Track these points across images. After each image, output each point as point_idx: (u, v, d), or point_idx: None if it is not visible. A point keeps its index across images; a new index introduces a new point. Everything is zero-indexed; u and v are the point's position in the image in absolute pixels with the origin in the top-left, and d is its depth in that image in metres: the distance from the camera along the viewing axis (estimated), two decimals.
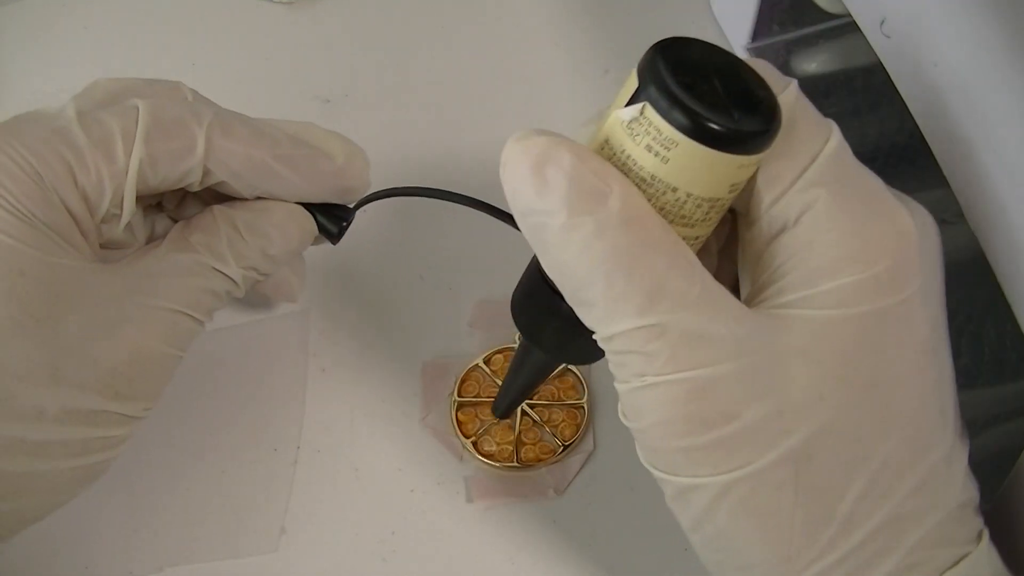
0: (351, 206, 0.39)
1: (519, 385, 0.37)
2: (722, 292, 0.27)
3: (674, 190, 0.27)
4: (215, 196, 0.37)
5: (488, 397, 0.42)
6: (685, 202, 0.27)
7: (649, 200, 0.27)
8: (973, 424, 0.31)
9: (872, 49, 0.34)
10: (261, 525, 0.39)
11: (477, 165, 0.48)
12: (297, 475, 0.40)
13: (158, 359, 0.34)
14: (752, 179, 0.28)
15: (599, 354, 0.28)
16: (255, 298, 0.42)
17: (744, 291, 0.30)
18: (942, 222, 0.29)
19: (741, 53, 0.44)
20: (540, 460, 0.40)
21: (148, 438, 0.35)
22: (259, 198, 0.37)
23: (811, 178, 0.27)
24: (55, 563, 0.38)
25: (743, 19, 0.48)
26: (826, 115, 0.29)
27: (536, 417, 0.41)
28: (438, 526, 0.39)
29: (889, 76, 0.33)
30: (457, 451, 0.41)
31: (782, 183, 0.28)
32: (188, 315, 0.35)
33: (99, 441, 0.33)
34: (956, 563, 0.28)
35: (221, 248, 0.36)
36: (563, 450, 0.40)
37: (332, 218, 0.38)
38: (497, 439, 0.41)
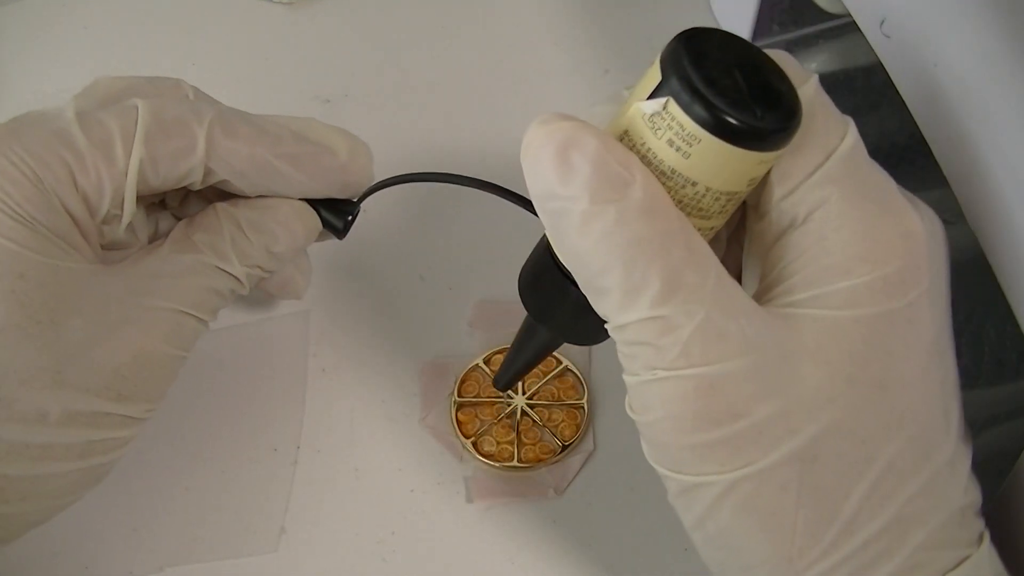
0: (355, 200, 0.39)
1: (523, 360, 0.37)
2: (735, 288, 0.27)
3: (693, 184, 0.27)
4: (218, 193, 0.37)
5: (488, 397, 0.42)
6: (704, 195, 0.27)
7: (668, 193, 0.27)
8: (973, 424, 0.31)
9: (872, 49, 0.34)
10: (261, 525, 0.39)
11: (477, 165, 0.48)
12: (297, 475, 0.40)
13: (161, 360, 0.34)
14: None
15: (604, 335, 0.28)
16: (259, 295, 0.42)
17: (748, 282, 0.30)
18: (942, 222, 0.29)
19: None
20: (540, 460, 0.40)
21: (148, 438, 0.35)
22: (262, 196, 0.37)
23: (825, 175, 0.27)
24: (55, 563, 0.38)
25: (743, 19, 0.48)
26: None
27: (536, 417, 0.41)
28: (438, 526, 0.39)
29: (889, 76, 0.33)
30: (457, 451, 0.41)
31: (795, 178, 0.28)
32: (192, 315, 0.35)
33: (102, 443, 0.33)
34: (957, 565, 0.28)
35: (224, 247, 0.36)
36: (563, 450, 0.40)
37: (337, 213, 0.38)
38: (497, 439, 0.41)
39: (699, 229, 0.28)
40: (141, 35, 0.53)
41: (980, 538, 0.29)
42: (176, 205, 0.38)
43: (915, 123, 0.32)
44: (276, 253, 0.37)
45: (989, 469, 0.31)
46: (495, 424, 0.41)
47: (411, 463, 0.41)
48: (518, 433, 0.41)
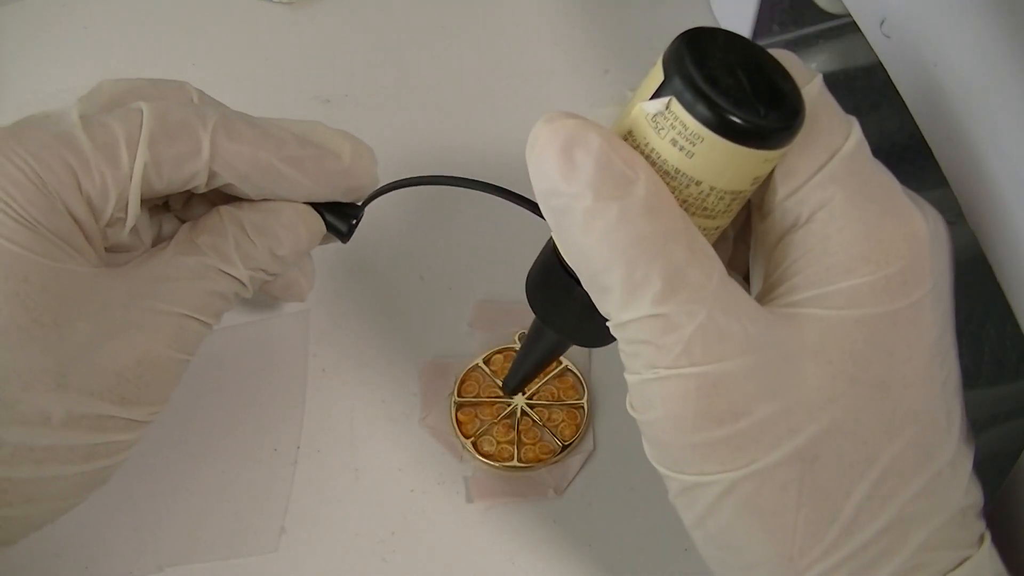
0: (359, 203, 0.39)
1: (531, 363, 0.37)
2: (736, 288, 0.27)
3: (698, 183, 0.27)
4: (222, 196, 0.37)
5: (488, 397, 0.42)
6: (708, 195, 0.27)
7: (672, 192, 0.27)
8: (973, 424, 0.31)
9: (872, 49, 0.34)
10: (261, 525, 0.39)
11: (477, 165, 0.48)
12: (297, 475, 0.40)
13: (165, 364, 0.34)
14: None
15: (610, 338, 0.28)
16: (261, 297, 0.42)
17: (755, 283, 0.30)
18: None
19: None
20: (540, 460, 0.40)
21: (148, 438, 0.35)
22: (266, 199, 0.37)
23: (828, 175, 0.27)
24: (55, 563, 0.38)
25: (743, 19, 0.48)
26: None
27: (536, 417, 0.41)
28: (438, 526, 0.39)
29: (889, 76, 0.33)
30: (457, 451, 0.41)
31: (799, 178, 0.28)
32: (195, 319, 0.35)
33: (106, 446, 0.33)
34: (958, 566, 0.28)
35: (228, 250, 0.36)
36: (563, 450, 0.40)
37: (341, 216, 0.38)
38: (497, 439, 0.41)
39: (704, 229, 0.28)
40: (141, 35, 0.53)
41: (981, 539, 0.29)
42: (179, 207, 0.38)
43: (915, 123, 0.32)
44: (280, 256, 0.37)
45: (989, 469, 0.31)
46: (495, 424, 0.41)
47: (411, 463, 0.41)
48: (518, 433, 0.41)
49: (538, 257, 0.32)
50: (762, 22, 0.48)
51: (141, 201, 0.34)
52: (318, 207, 0.38)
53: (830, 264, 0.27)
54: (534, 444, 0.41)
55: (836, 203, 0.27)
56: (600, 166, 0.26)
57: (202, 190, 0.35)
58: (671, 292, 0.26)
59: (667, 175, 0.27)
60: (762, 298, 0.29)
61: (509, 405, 0.42)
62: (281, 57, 0.52)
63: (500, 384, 0.42)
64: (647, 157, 0.27)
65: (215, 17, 0.54)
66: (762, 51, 0.27)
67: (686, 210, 0.27)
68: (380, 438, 0.41)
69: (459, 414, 0.41)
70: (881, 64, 0.33)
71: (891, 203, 0.28)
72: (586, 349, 0.43)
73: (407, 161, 0.47)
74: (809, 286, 0.27)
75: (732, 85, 0.26)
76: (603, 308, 0.28)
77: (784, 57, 0.28)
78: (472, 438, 0.41)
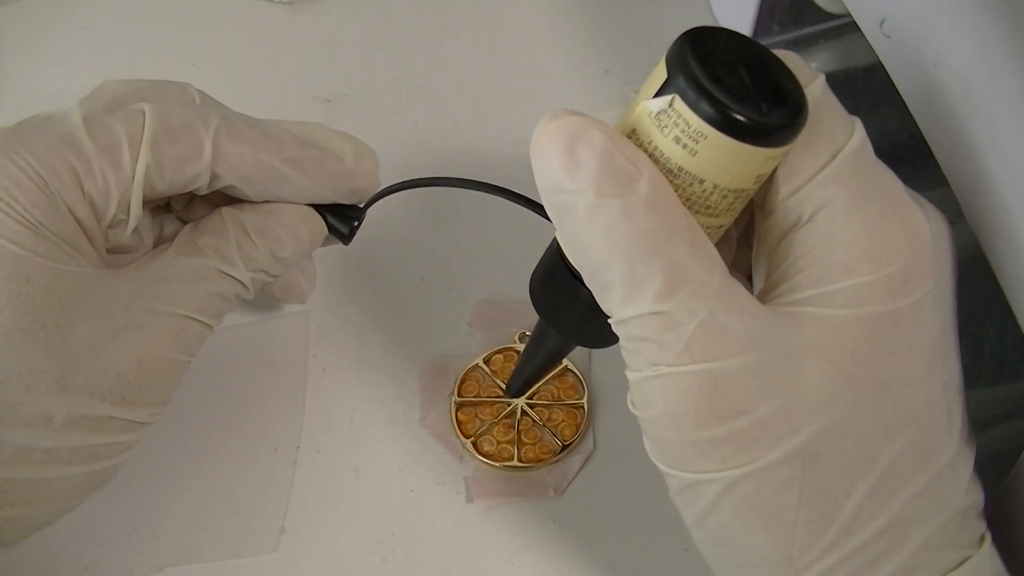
0: (361, 205, 0.39)
1: (534, 366, 0.37)
2: (738, 286, 0.27)
3: (701, 181, 0.27)
4: (224, 197, 0.37)
5: (488, 397, 0.42)
6: (711, 193, 0.27)
7: (675, 190, 0.27)
8: (973, 424, 0.31)
9: (872, 49, 0.34)
10: (261, 525, 0.39)
11: (477, 165, 0.48)
12: (297, 475, 0.40)
13: (166, 365, 0.34)
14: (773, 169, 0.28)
15: (615, 338, 0.28)
16: (263, 298, 0.42)
17: (758, 282, 0.30)
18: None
19: None
20: (540, 460, 0.40)
21: (148, 438, 0.35)
22: (267, 201, 0.37)
23: (831, 174, 0.27)
24: (55, 563, 0.38)
25: (743, 19, 0.48)
26: None
27: (536, 417, 0.41)
28: (438, 526, 0.39)
29: (889, 76, 0.33)
30: (457, 451, 0.41)
31: (801, 176, 0.28)
32: (197, 320, 0.35)
33: (107, 447, 0.33)
34: (958, 566, 0.28)
35: (230, 251, 0.36)
36: (563, 450, 0.40)
37: (342, 218, 0.38)
38: (497, 439, 0.41)
39: (707, 227, 0.28)
40: (141, 35, 0.53)
41: (981, 539, 0.29)
42: (181, 208, 0.38)
43: (915, 123, 0.32)
44: (281, 258, 0.37)
45: (989, 469, 0.31)
46: (495, 424, 0.41)
47: (411, 463, 0.41)
48: (518, 433, 0.41)
49: (542, 258, 0.32)
50: (762, 22, 0.48)
51: (143, 202, 0.34)
52: (320, 209, 0.38)
53: (831, 263, 0.27)
54: (534, 444, 0.41)
55: (838, 202, 0.27)
56: (603, 163, 0.26)
57: (204, 191, 0.35)
58: (672, 289, 0.26)
59: (670, 173, 0.27)
60: (764, 297, 0.29)
61: (509, 405, 0.42)
62: (281, 57, 0.52)
63: (501, 384, 0.42)
64: (650, 155, 0.27)
65: (215, 17, 0.54)
66: (765, 50, 0.27)
67: (689, 208, 0.27)
68: (380, 438, 0.41)
69: (459, 414, 0.41)
70: (881, 64, 0.33)
71: (893, 203, 0.28)
72: (587, 349, 0.43)
73: (407, 161, 0.47)
74: (810, 285, 0.27)
75: (735, 83, 0.26)
76: (605, 305, 0.28)
77: (787, 57, 0.28)
78: (472, 438, 0.41)
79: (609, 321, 0.28)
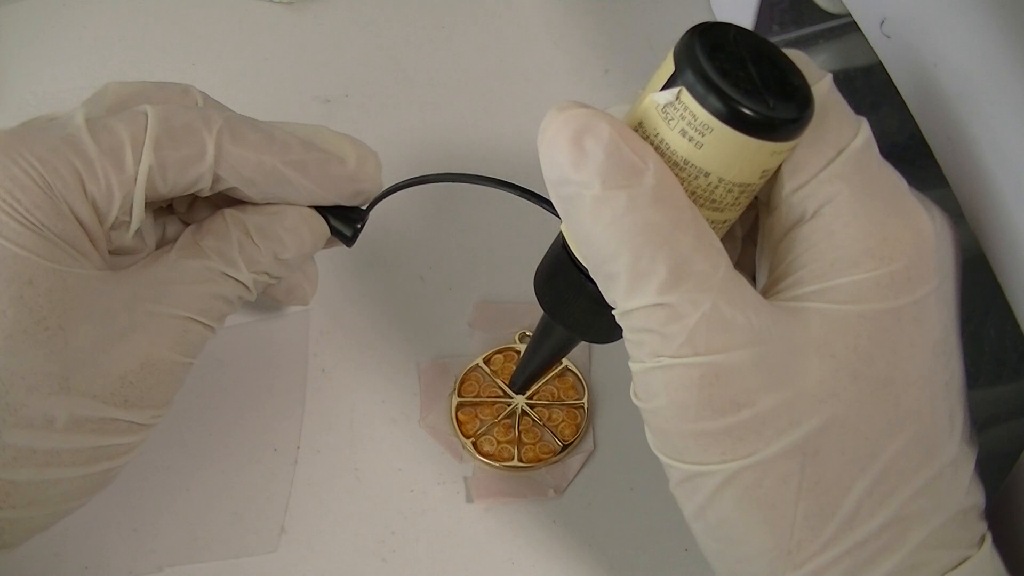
0: (363, 207, 0.39)
1: (538, 361, 0.37)
2: (741, 280, 0.27)
3: (706, 175, 0.27)
4: (226, 199, 0.37)
5: (488, 397, 0.42)
6: (717, 187, 0.27)
7: (681, 184, 0.27)
8: (973, 424, 0.31)
9: (872, 49, 0.34)
10: (261, 525, 0.39)
11: (478, 164, 0.48)
12: (297, 475, 0.40)
13: (168, 367, 0.34)
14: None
15: (620, 334, 0.28)
16: (263, 298, 0.42)
17: (761, 279, 0.30)
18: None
19: None
20: (540, 460, 0.40)
21: (149, 438, 0.35)
22: (270, 202, 0.37)
23: (835, 171, 0.28)
24: (55, 563, 0.38)
25: (743, 19, 0.48)
26: None
27: (536, 417, 0.41)
28: (438, 526, 0.39)
29: (889, 76, 0.33)
30: (457, 451, 0.41)
31: (806, 172, 0.28)
32: (199, 322, 0.35)
33: (109, 449, 0.33)
34: (958, 565, 0.28)
35: (232, 253, 0.36)
36: (563, 450, 0.40)
37: (345, 221, 0.38)
38: (497, 439, 0.41)
39: (712, 222, 0.28)
40: (141, 35, 0.53)
41: (982, 540, 0.29)
42: (184, 210, 0.38)
43: (915, 123, 0.32)
44: (284, 260, 0.37)
45: (989, 469, 0.31)
46: (495, 424, 0.41)
47: (411, 463, 0.41)
48: (518, 433, 0.41)
49: (547, 253, 0.32)
50: (762, 22, 0.48)
51: (145, 204, 0.34)
52: (322, 211, 0.38)
53: (835, 259, 0.27)
54: (534, 444, 0.41)
55: (842, 199, 0.27)
56: (610, 155, 0.26)
57: (206, 193, 0.36)
58: (676, 281, 0.26)
59: (676, 166, 0.27)
60: (767, 292, 0.29)
61: (509, 405, 0.42)
62: (281, 57, 0.52)
63: (501, 384, 0.42)
64: (656, 148, 0.27)
65: (215, 17, 0.54)
66: (773, 46, 0.27)
67: (694, 202, 0.27)
68: (380, 438, 0.41)
69: (459, 414, 0.41)
70: (881, 64, 0.33)
71: (897, 201, 0.28)
72: (587, 349, 0.43)
73: (407, 161, 0.47)
74: (814, 280, 0.28)
75: (742, 77, 0.26)
76: (609, 296, 0.28)
77: (794, 56, 0.28)
78: (472, 438, 0.41)
79: (613, 312, 0.28)
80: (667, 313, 0.26)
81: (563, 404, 0.42)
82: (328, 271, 0.45)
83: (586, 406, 0.41)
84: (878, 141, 0.29)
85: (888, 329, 0.27)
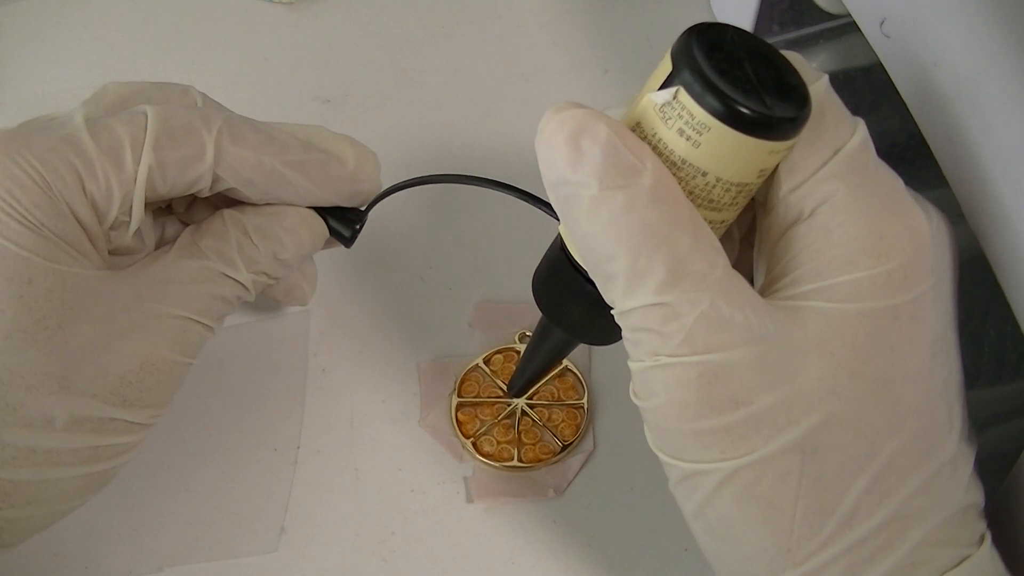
0: (362, 208, 0.39)
1: (536, 365, 0.37)
2: (740, 280, 0.27)
3: (704, 174, 0.27)
4: (225, 199, 0.37)
5: (488, 397, 0.42)
6: (714, 186, 0.27)
7: (679, 184, 0.27)
8: (973, 424, 0.31)
9: (872, 49, 0.34)
10: (261, 525, 0.39)
11: (478, 164, 0.48)
12: (297, 475, 0.40)
13: (167, 367, 0.34)
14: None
15: (619, 335, 0.29)
16: (263, 298, 0.42)
17: (759, 279, 0.30)
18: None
19: None
20: (540, 460, 0.40)
21: (149, 438, 0.35)
22: (269, 203, 0.37)
23: (832, 170, 0.28)
24: (55, 563, 0.38)
25: (743, 19, 0.48)
26: None
27: (536, 417, 0.41)
28: (438, 526, 0.39)
29: (889, 76, 0.33)
30: (457, 451, 0.41)
31: (803, 172, 0.28)
32: (198, 322, 0.35)
33: (108, 449, 0.33)
34: (957, 564, 0.28)
35: (231, 253, 0.36)
36: (563, 450, 0.40)
37: (344, 221, 0.38)
38: (497, 439, 0.41)
39: (710, 222, 0.28)
40: (141, 35, 0.53)
41: (982, 539, 0.29)
42: (183, 210, 0.38)
43: (915, 123, 0.32)
44: (283, 260, 0.37)
45: (989, 469, 0.31)
46: (495, 424, 0.41)
47: (411, 463, 0.41)
48: (518, 433, 0.41)
49: (545, 255, 0.32)
50: (762, 22, 0.48)
51: (145, 204, 0.34)
52: (321, 211, 0.38)
53: (832, 257, 0.27)
54: (534, 444, 0.41)
55: (839, 198, 0.27)
56: (607, 155, 0.26)
57: (206, 194, 0.36)
58: (674, 281, 0.26)
59: (674, 165, 0.27)
60: (765, 292, 0.29)
61: (509, 405, 0.42)
62: (281, 57, 0.52)
63: (501, 384, 0.42)
64: (654, 148, 0.27)
65: (215, 17, 0.54)
66: (770, 47, 0.28)
67: (692, 202, 0.27)
68: (380, 438, 0.41)
69: (459, 414, 0.41)
70: (881, 64, 0.33)
71: (894, 200, 0.28)
72: (587, 348, 0.43)
73: (407, 161, 0.47)
74: (811, 279, 0.28)
75: (739, 76, 0.26)
76: (608, 296, 0.28)
77: (791, 57, 0.28)
78: (472, 438, 0.41)
79: (612, 312, 0.28)
80: (665, 312, 0.26)
81: (563, 404, 0.42)
82: (328, 271, 0.45)
83: (586, 406, 0.41)
84: (878, 141, 0.29)
85: (886, 327, 0.27)
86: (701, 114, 0.26)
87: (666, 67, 0.27)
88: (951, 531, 0.28)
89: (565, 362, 0.42)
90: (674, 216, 0.26)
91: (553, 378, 0.42)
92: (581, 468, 0.40)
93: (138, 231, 0.36)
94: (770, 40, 0.48)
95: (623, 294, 0.27)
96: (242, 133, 0.35)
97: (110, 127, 0.33)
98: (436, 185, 0.39)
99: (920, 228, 0.28)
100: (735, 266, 0.28)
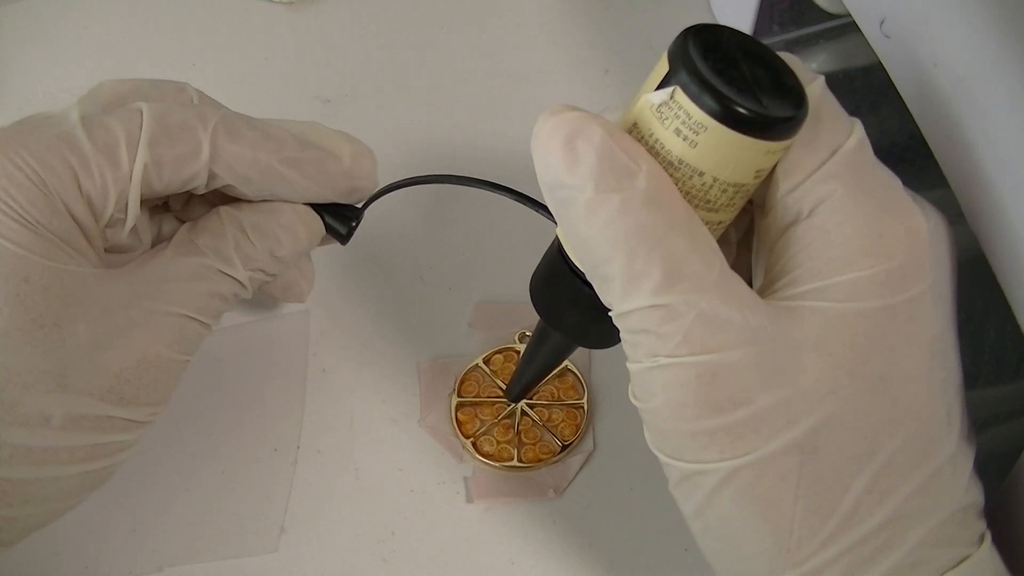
0: (359, 205, 0.39)
1: (535, 368, 0.37)
2: (737, 280, 0.27)
3: (701, 174, 0.27)
4: (222, 197, 0.37)
5: (488, 397, 0.42)
6: (711, 187, 0.27)
7: (675, 184, 0.27)
8: (973, 424, 0.31)
9: (872, 49, 0.34)
10: (261, 525, 0.39)
11: (477, 164, 0.48)
12: (297, 475, 0.40)
13: (165, 364, 0.34)
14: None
15: (617, 338, 0.29)
16: (262, 298, 0.42)
17: (757, 280, 0.30)
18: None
19: None
20: (540, 460, 0.40)
21: (148, 438, 0.35)
22: (265, 200, 0.37)
23: (829, 171, 0.28)
24: (55, 563, 0.38)
25: (743, 19, 0.48)
26: None
27: (536, 417, 0.41)
28: (438, 526, 0.39)
29: (889, 76, 0.33)
30: (457, 451, 0.41)
31: (800, 173, 0.28)
32: (195, 319, 0.35)
33: (105, 447, 0.33)
34: (957, 564, 0.28)
35: (228, 251, 0.36)
36: (563, 450, 0.40)
37: (340, 218, 0.38)
38: (497, 439, 0.41)
39: (707, 223, 0.28)
40: (141, 35, 0.53)
41: (981, 539, 0.29)
42: (179, 208, 0.38)
43: (915, 123, 0.32)
44: (279, 257, 0.37)
45: (989, 469, 0.31)
46: (495, 424, 0.41)
47: (411, 463, 0.41)
48: (518, 433, 0.41)
49: (542, 259, 0.32)
50: (762, 22, 0.48)
51: (141, 202, 0.34)
52: (318, 208, 0.38)
53: (830, 257, 0.27)
54: (534, 444, 0.41)
55: (837, 198, 0.27)
56: (602, 158, 0.26)
57: (202, 191, 0.35)
58: (671, 282, 0.26)
59: (671, 166, 0.27)
60: (763, 292, 0.29)
61: (509, 405, 0.42)
62: (281, 57, 0.52)
63: (501, 384, 0.42)
64: (651, 148, 0.27)
65: (215, 17, 0.54)
66: (766, 48, 0.28)
67: (689, 203, 0.27)
68: (380, 438, 0.41)
69: (459, 414, 0.41)
70: (881, 64, 0.33)
71: (891, 200, 0.28)
72: (586, 349, 0.43)
73: (407, 161, 0.47)
74: (810, 279, 0.28)
75: (736, 76, 0.26)
76: (605, 299, 0.28)
77: (787, 59, 0.28)
78: (472, 438, 0.41)
79: (610, 314, 0.28)
80: (663, 314, 0.26)
81: (563, 404, 0.42)
82: (328, 271, 0.45)
83: (586, 406, 0.41)
84: (878, 141, 0.29)
85: (884, 327, 0.27)
86: (698, 114, 0.26)
87: (663, 68, 0.27)
88: (951, 531, 0.28)
89: (565, 362, 0.42)
90: (670, 217, 0.26)
91: (553, 378, 0.42)
92: (581, 468, 0.40)
93: (134, 229, 0.36)
94: (770, 40, 0.49)
95: (620, 296, 0.27)
96: (238, 130, 0.35)
97: (106, 124, 0.33)
98: (437, 185, 0.39)
99: (918, 228, 0.28)
100: (733, 269, 0.28)
